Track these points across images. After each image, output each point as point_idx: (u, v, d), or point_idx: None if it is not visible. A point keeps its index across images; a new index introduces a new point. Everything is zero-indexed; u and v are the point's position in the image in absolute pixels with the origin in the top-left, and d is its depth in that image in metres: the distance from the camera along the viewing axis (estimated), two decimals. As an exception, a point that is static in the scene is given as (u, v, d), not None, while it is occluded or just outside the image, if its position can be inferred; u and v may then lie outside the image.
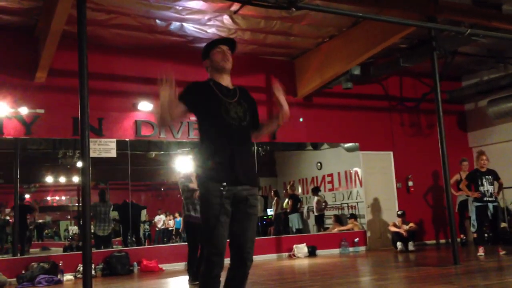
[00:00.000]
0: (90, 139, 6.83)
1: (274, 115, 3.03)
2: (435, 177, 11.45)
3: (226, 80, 3.01)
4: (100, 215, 9.40)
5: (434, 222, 11.48)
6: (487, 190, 8.02)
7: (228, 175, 2.79)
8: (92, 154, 7.80)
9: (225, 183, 2.75)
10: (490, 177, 8.10)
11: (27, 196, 10.93)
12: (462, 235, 10.46)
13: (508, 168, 10.54)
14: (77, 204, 11.96)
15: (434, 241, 11.43)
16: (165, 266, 8.63)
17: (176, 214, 13.34)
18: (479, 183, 8.08)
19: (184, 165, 11.60)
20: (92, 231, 9.24)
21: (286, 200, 11.77)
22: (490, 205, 7.99)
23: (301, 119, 10.43)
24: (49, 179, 11.94)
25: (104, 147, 8.70)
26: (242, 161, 2.88)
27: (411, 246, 9.70)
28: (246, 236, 2.84)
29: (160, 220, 12.71)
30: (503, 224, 10.03)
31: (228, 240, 2.85)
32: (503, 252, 7.88)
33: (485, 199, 8.01)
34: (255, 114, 3.10)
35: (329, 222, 11.82)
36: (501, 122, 11.44)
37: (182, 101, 2.85)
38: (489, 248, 8.48)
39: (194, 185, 6.42)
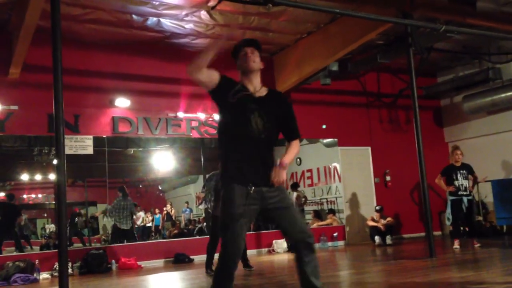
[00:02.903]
0: (66, 136, 6.75)
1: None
2: (414, 172, 11.59)
3: (254, 82, 3.04)
4: (123, 210, 9.59)
5: (411, 216, 11.64)
6: (462, 184, 8.17)
7: (248, 180, 2.89)
8: (68, 151, 7.73)
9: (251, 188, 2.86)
10: (464, 171, 8.25)
11: (1, 194, 10.76)
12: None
13: (482, 162, 10.74)
14: (54, 202, 11.79)
15: (411, 235, 11.59)
16: (143, 263, 8.57)
17: (156, 211, 13.27)
18: (454, 177, 8.22)
19: (162, 161, 11.61)
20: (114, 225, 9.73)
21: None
22: (465, 199, 8.13)
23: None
24: (24, 176, 11.74)
25: (81, 144, 8.59)
26: (257, 170, 2.91)
27: (388, 240, 9.83)
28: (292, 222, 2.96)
29: (139, 217, 12.60)
30: (478, 218, 10.24)
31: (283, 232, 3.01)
32: (478, 245, 8.04)
33: (459, 193, 8.15)
34: (283, 123, 3.08)
35: (308, 217, 11.89)
36: (476, 117, 11.65)
37: (219, 77, 2.96)
38: (465, 241, 8.64)
39: None
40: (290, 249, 9.87)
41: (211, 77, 2.94)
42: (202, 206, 7.36)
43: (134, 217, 10.27)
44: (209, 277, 6.43)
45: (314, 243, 3.00)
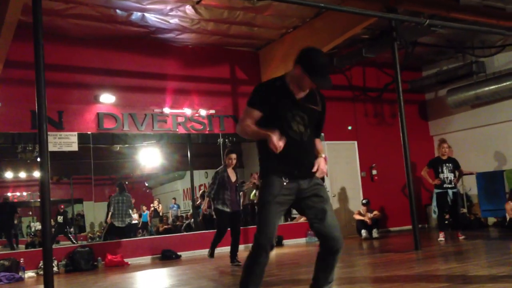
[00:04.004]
0: (50, 133, 6.69)
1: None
2: (400, 165, 11.69)
3: (301, 91, 3.04)
4: (120, 206, 9.55)
5: (398, 209, 11.72)
6: (447, 177, 8.27)
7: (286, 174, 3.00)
8: (52, 148, 7.66)
9: (286, 180, 2.99)
10: (450, 165, 8.35)
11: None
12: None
13: (466, 155, 10.87)
14: (39, 200, 11.69)
15: (398, 228, 11.68)
16: (130, 260, 8.53)
17: (144, 208, 13.21)
18: (440, 170, 8.31)
19: (149, 157, 11.55)
20: (110, 222, 9.64)
21: (254, 191, 11.79)
22: (450, 192, 8.24)
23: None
24: (8, 174, 11.61)
25: (65, 141, 8.50)
26: (300, 166, 3.01)
27: (375, 234, 9.90)
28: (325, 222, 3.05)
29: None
30: (463, 210, 10.36)
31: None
32: (463, 237, 8.14)
33: (444, 185, 8.25)
34: (317, 122, 3.15)
35: (295, 212, 11.91)
36: (460, 110, 11.75)
37: (258, 110, 3.00)
38: (450, 233, 8.74)
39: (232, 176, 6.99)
40: (277, 243, 9.90)
41: (256, 120, 3.03)
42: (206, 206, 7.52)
43: (131, 212, 10.22)
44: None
45: (341, 248, 3.06)
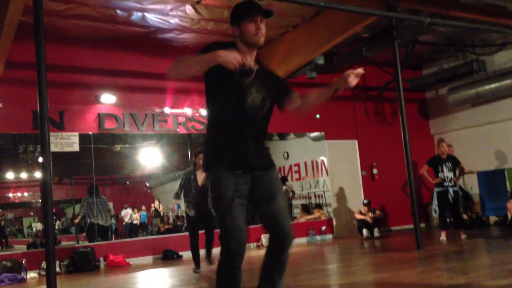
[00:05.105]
0: (51, 133, 6.67)
1: (330, 85, 2.65)
2: (400, 164, 11.69)
3: (251, 56, 2.61)
4: (97, 206, 9.56)
5: (399, 209, 11.72)
6: (447, 176, 8.27)
7: (241, 164, 2.56)
8: (53, 149, 7.65)
9: (239, 171, 2.52)
10: (449, 163, 8.35)
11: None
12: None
13: (467, 154, 10.85)
14: (40, 200, 11.69)
15: (399, 227, 11.68)
16: (132, 260, 8.53)
17: (144, 208, 13.21)
18: (439, 169, 8.32)
19: (149, 157, 11.57)
20: (94, 222, 9.63)
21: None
22: (451, 190, 8.24)
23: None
24: (10, 175, 11.63)
25: (66, 141, 8.50)
26: (254, 152, 2.60)
27: (376, 233, 9.90)
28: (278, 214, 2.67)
29: (127, 214, 12.55)
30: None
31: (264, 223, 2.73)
32: (464, 236, 8.14)
33: (445, 184, 8.25)
34: (282, 91, 2.71)
35: (296, 211, 11.93)
36: (461, 109, 11.75)
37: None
38: (451, 232, 8.74)
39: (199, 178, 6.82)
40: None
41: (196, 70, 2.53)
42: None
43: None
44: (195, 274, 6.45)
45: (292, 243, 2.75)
